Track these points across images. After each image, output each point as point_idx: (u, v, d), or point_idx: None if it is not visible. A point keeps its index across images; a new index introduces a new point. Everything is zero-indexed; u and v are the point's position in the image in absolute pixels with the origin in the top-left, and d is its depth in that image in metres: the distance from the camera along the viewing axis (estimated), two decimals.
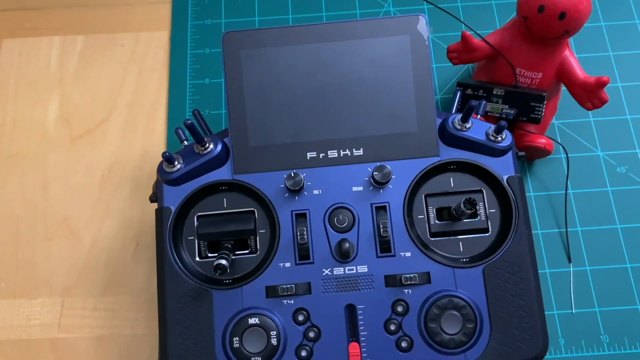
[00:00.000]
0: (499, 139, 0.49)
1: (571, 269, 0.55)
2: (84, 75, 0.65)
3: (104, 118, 0.63)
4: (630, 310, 0.53)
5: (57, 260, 0.57)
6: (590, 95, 0.53)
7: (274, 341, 0.46)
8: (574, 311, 0.54)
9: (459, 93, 0.55)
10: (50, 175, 0.60)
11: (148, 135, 0.62)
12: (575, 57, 0.54)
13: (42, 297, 0.56)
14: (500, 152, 0.49)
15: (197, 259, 0.48)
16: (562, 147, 0.58)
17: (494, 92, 0.55)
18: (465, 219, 0.48)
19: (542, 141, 0.56)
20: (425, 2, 0.58)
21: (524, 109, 0.55)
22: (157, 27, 0.67)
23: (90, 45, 0.66)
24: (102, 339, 0.55)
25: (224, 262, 0.45)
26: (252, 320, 0.46)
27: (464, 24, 0.55)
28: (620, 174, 0.59)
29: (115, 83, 0.64)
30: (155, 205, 0.57)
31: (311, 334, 0.46)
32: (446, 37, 0.64)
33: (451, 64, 0.58)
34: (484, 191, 0.49)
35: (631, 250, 0.56)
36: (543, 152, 0.57)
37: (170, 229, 0.48)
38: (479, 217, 0.49)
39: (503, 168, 0.49)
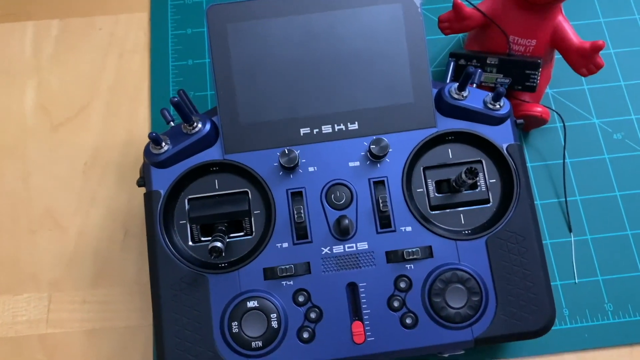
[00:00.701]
0: (497, 106, 0.47)
1: (572, 238, 0.54)
2: (61, 60, 0.62)
3: (84, 104, 0.60)
4: (634, 277, 0.53)
5: (43, 254, 0.55)
6: (585, 60, 0.52)
7: (274, 324, 0.44)
8: (577, 281, 0.53)
9: (452, 64, 0.54)
10: (31, 165, 0.58)
11: (132, 120, 0.59)
12: (569, 23, 0.53)
13: (28, 293, 0.54)
14: (499, 120, 0.48)
15: (190, 243, 0.46)
16: (559, 114, 0.56)
17: (488, 62, 0.54)
18: (465, 190, 0.47)
19: (538, 110, 0.55)
20: None
21: (519, 77, 0.53)
22: (135, 8, 0.64)
23: (67, 30, 0.63)
24: (93, 332, 0.52)
25: (219, 244, 0.43)
26: (250, 304, 0.44)
27: None
28: (616, 141, 0.58)
29: (95, 68, 0.62)
30: (143, 190, 0.55)
31: (312, 315, 0.44)
32: (436, 9, 0.63)
33: (441, 35, 0.57)
34: (484, 161, 0.48)
35: (631, 217, 0.55)
36: (539, 121, 0.56)
37: (161, 213, 0.46)
38: (479, 188, 0.47)
39: (502, 136, 0.48)
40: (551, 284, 0.51)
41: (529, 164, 0.57)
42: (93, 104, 0.60)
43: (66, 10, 0.64)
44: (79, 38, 0.63)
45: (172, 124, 0.48)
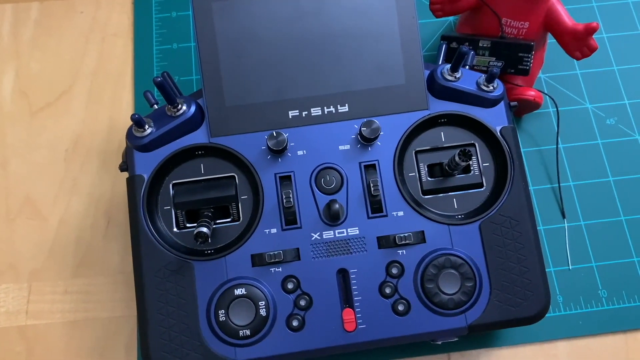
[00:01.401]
0: (491, 88, 0.46)
1: (565, 224, 0.54)
2: (41, 44, 0.60)
3: (65, 89, 0.58)
4: (627, 263, 0.52)
5: (22, 243, 0.53)
6: (579, 43, 0.51)
7: (262, 312, 0.43)
8: (570, 267, 0.52)
9: (444, 47, 0.53)
10: (10, 152, 0.56)
11: (115, 105, 0.57)
12: (562, 5, 0.52)
13: (6, 283, 0.52)
14: (492, 103, 0.46)
15: (175, 229, 0.45)
16: (551, 99, 0.55)
17: (480, 44, 0.53)
18: (458, 174, 0.46)
19: (531, 93, 0.54)
20: None
21: (512, 60, 0.52)
22: None
23: (47, 13, 0.61)
24: (75, 323, 0.51)
25: (205, 229, 0.41)
26: (238, 291, 0.43)
27: None
28: (609, 126, 0.57)
29: (76, 52, 0.60)
30: (126, 175, 0.53)
31: (302, 302, 0.43)
32: None
33: (432, 18, 0.56)
34: (477, 144, 0.47)
35: (625, 202, 0.54)
36: (532, 105, 0.55)
37: (144, 199, 0.44)
38: (472, 172, 0.46)
39: (496, 119, 0.46)
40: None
41: (522, 149, 0.56)
42: (74, 89, 0.58)
43: None
44: (60, 21, 0.61)
45: (155, 106, 0.47)
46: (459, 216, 0.45)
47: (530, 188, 0.55)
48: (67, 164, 0.55)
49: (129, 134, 0.45)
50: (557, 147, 0.55)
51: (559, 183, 0.55)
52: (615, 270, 0.52)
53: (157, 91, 0.56)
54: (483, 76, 0.46)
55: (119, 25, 0.61)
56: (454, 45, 0.53)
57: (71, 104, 0.58)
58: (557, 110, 0.55)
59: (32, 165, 0.55)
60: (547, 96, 0.56)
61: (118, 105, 0.57)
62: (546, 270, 0.51)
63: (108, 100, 0.58)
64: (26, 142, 0.56)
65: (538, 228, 0.53)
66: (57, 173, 0.55)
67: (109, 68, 0.59)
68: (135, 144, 0.44)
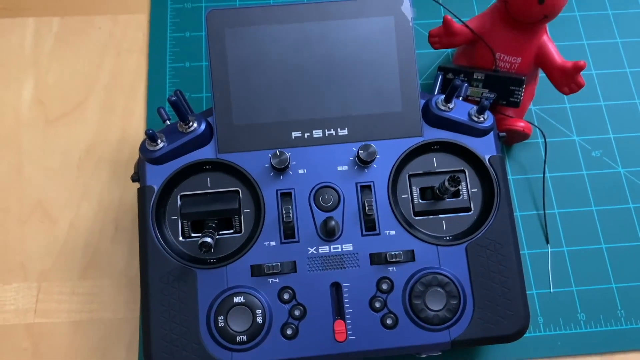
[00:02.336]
0: (481, 119, 0.49)
1: (549, 249, 0.56)
2: (59, 56, 0.63)
3: (80, 100, 0.61)
4: (606, 289, 0.55)
5: (33, 244, 0.56)
6: (567, 79, 0.54)
7: (259, 320, 0.45)
8: (552, 290, 0.55)
9: (440, 77, 0.56)
10: (25, 157, 0.59)
11: (127, 118, 0.61)
12: (553, 43, 0.55)
13: (16, 282, 0.55)
14: (482, 133, 0.50)
15: (181, 238, 0.48)
16: (540, 130, 0.59)
17: (475, 77, 0.56)
18: (448, 198, 0.49)
19: (520, 124, 0.57)
20: None
21: (504, 92, 0.56)
22: (135, 9, 0.66)
23: (66, 27, 0.65)
24: (80, 323, 0.53)
25: (208, 239, 0.44)
26: (237, 299, 0.46)
27: (445, 8, 0.56)
28: (595, 158, 0.60)
29: (92, 65, 0.63)
30: (136, 186, 0.56)
31: (297, 312, 0.46)
32: (426, 24, 0.65)
33: (431, 49, 0.59)
34: (467, 171, 0.50)
35: (606, 231, 0.57)
36: (522, 136, 0.58)
37: (153, 208, 0.47)
38: (461, 196, 0.49)
39: (485, 148, 0.50)
40: (527, 292, 0.54)
41: (510, 177, 0.59)
42: (89, 100, 0.61)
43: (67, 8, 0.65)
44: (78, 36, 0.64)
45: (167, 122, 0.50)
46: (447, 237, 0.48)
47: (517, 214, 0.58)
48: (79, 171, 0.58)
49: (142, 147, 0.48)
50: (543, 176, 0.58)
51: (544, 210, 0.58)
52: (594, 295, 0.55)
53: (169, 107, 0.59)
54: (475, 107, 0.50)
55: (134, 42, 0.64)
56: (450, 76, 0.57)
57: (85, 114, 0.61)
58: (545, 141, 0.59)
59: (46, 171, 0.58)
60: (536, 127, 0.59)
61: (130, 117, 0.61)
62: (529, 292, 0.54)
63: (120, 112, 0.61)
64: (41, 148, 0.59)
65: (523, 252, 0.56)
66: (69, 179, 0.58)
67: (122, 82, 0.62)
68: (147, 156, 0.48)
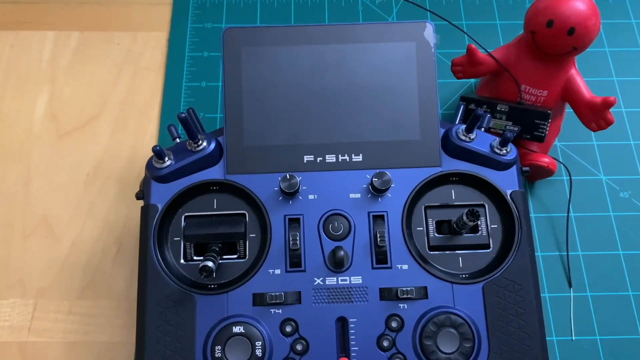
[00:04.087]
0: (504, 151, 0.47)
1: (572, 294, 0.53)
2: (76, 71, 0.63)
3: (93, 116, 0.60)
4: (633, 339, 0.51)
5: (33, 260, 0.54)
6: (596, 115, 0.52)
7: (258, 352, 0.43)
8: (573, 338, 0.51)
9: (462, 107, 0.54)
10: (34, 171, 0.58)
11: (139, 136, 0.59)
12: (581, 77, 0.53)
13: (13, 298, 0.53)
14: (505, 166, 0.47)
15: (182, 261, 0.46)
16: (565, 167, 0.56)
17: (498, 108, 0.54)
18: (466, 233, 0.46)
19: (545, 160, 0.54)
20: (429, 12, 0.57)
21: (528, 126, 0.53)
22: (155, 27, 0.65)
23: (85, 42, 0.64)
24: (75, 345, 0.51)
25: (210, 264, 0.42)
26: (236, 329, 0.43)
27: (470, 36, 0.54)
28: (623, 199, 0.57)
29: (108, 81, 0.62)
30: (141, 204, 0.55)
31: (299, 347, 0.43)
32: (449, 54, 0.63)
33: (454, 79, 0.57)
34: (486, 205, 0.47)
35: (633, 277, 0.54)
36: (546, 172, 0.55)
37: (156, 228, 0.45)
38: (480, 232, 0.47)
39: (507, 182, 0.47)
40: (547, 339, 0.50)
41: (532, 215, 0.56)
42: (102, 116, 0.60)
43: (87, 23, 0.65)
44: (96, 51, 0.64)
45: (177, 140, 0.48)
46: (464, 275, 0.45)
47: (539, 254, 0.55)
48: (86, 188, 0.57)
49: (149, 165, 0.46)
50: (567, 216, 0.55)
51: (567, 251, 0.54)
52: (620, 345, 0.51)
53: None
54: (497, 139, 0.47)
55: (152, 60, 0.63)
56: (472, 106, 0.55)
57: (97, 130, 0.60)
58: (571, 178, 0.56)
59: (53, 186, 0.57)
60: (561, 164, 0.56)
61: (142, 136, 0.59)
62: (549, 338, 0.51)
63: (133, 130, 0.60)
64: (50, 163, 0.58)
65: (543, 295, 0.53)
66: (76, 196, 0.57)
67: (137, 99, 0.61)
68: (153, 174, 0.46)
